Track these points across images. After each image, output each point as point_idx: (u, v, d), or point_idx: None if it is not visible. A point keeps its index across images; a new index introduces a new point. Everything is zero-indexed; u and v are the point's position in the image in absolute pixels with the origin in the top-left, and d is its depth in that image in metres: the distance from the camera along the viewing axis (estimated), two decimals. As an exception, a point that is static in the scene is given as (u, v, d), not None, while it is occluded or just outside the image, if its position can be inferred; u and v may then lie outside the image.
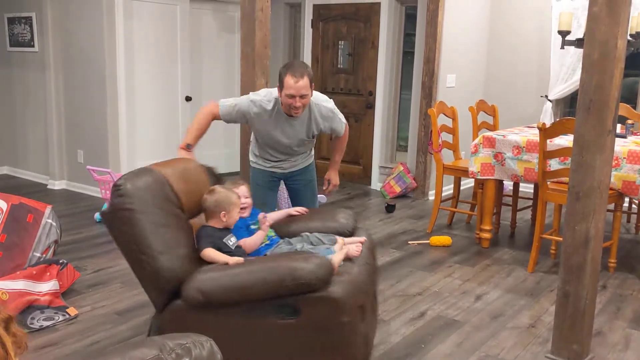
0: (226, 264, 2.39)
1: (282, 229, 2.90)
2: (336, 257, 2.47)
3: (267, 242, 2.72)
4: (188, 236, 2.53)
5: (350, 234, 2.92)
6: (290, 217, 3.01)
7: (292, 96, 2.94)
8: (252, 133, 3.35)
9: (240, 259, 2.42)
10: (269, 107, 3.09)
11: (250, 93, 3.20)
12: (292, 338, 2.37)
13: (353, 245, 2.66)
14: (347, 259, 2.60)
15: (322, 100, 3.19)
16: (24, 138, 6.45)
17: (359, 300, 2.42)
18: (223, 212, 2.53)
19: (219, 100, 3.16)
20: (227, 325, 2.37)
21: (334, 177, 3.53)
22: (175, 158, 2.88)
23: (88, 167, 5.11)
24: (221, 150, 6.64)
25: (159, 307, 2.44)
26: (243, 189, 2.77)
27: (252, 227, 2.74)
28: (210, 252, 2.46)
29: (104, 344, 2.89)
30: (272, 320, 2.35)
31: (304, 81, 2.92)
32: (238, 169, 6.20)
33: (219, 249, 2.49)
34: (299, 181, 3.46)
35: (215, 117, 3.14)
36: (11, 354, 1.09)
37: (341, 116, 3.29)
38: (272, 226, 2.82)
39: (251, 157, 3.46)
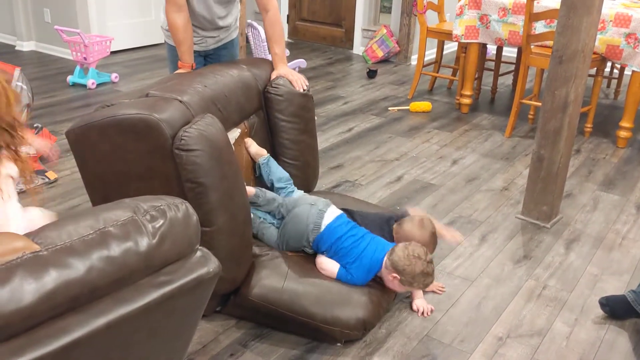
0: None
1: None
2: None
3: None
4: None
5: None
6: None
7: None
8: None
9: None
10: None
11: None
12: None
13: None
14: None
15: None
16: (-15, -5, 6.06)
17: None
18: None
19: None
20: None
21: (287, 72, 2.72)
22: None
23: (56, 27, 4.86)
24: (136, 20, 5.86)
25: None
26: None
27: None
28: None
29: (84, 207, 2.92)
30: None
31: None
32: (158, 41, 5.77)
33: None
34: (223, 57, 2.98)
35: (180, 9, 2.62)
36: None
37: None
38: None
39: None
